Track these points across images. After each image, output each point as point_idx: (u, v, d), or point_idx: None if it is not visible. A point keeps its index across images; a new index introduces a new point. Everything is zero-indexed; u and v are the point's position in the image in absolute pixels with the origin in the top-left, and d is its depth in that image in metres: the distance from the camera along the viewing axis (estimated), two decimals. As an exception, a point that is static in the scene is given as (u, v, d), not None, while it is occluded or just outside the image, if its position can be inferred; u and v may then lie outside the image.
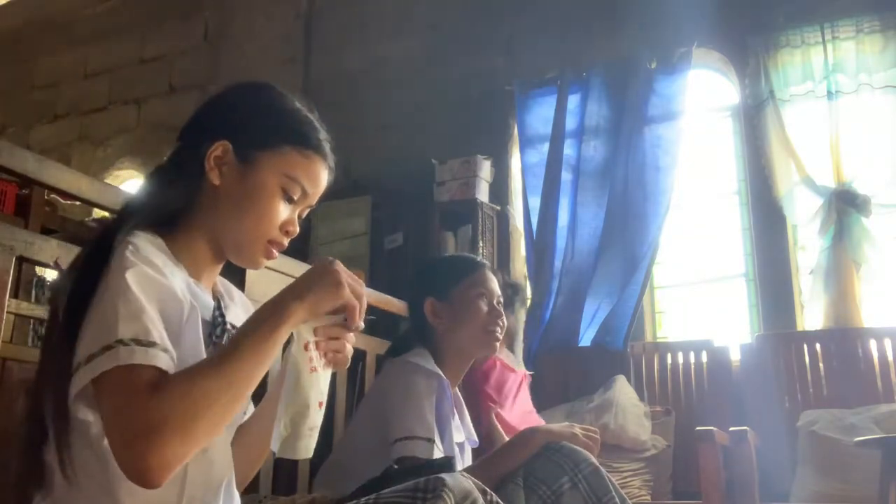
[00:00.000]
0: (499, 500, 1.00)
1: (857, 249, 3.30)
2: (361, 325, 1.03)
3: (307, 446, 1.02)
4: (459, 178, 3.95)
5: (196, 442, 0.87)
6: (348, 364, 1.07)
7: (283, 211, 1.10)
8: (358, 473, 1.31)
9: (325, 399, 1.04)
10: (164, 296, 0.96)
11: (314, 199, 1.14)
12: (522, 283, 3.87)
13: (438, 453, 1.53)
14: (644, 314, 3.80)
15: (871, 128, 3.41)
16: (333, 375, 1.12)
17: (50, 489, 0.97)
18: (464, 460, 1.77)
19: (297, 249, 3.80)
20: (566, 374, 3.55)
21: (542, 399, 3.44)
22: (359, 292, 1.01)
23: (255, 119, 1.10)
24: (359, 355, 2.40)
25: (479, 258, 1.97)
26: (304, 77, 4.75)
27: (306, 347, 1.00)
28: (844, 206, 3.34)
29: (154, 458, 0.83)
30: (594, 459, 1.57)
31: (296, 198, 1.11)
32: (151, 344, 0.89)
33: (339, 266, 1.00)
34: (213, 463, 1.03)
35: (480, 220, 3.88)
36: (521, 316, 3.49)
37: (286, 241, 1.12)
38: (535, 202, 3.91)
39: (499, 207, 4.04)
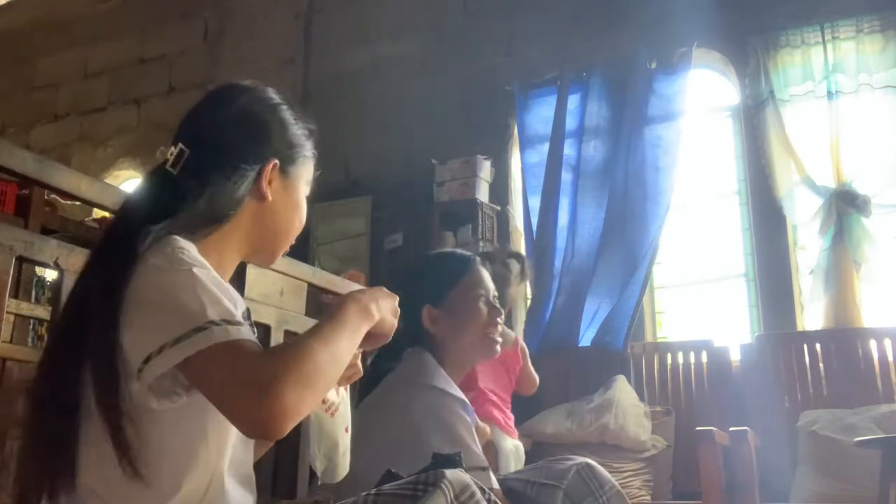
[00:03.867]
0: (497, 500, 1.00)
1: (857, 249, 3.30)
2: None
3: (344, 466, 1.13)
4: (459, 178, 3.95)
5: (311, 398, 0.91)
6: (361, 374, 1.20)
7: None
8: None
9: (349, 423, 1.14)
10: (228, 295, 0.99)
11: None
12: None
13: (495, 482, 1.43)
14: (644, 314, 3.80)
15: (871, 128, 3.41)
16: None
17: (72, 490, 0.96)
18: None
19: (297, 249, 3.80)
20: (566, 374, 3.55)
21: (543, 399, 3.44)
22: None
23: (288, 135, 1.17)
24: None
25: (466, 253, 1.78)
26: (303, 77, 4.75)
27: (323, 401, 1.07)
28: (844, 206, 3.34)
29: (277, 405, 0.86)
30: (616, 483, 1.53)
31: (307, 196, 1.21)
32: (240, 323, 0.93)
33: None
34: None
35: (480, 220, 3.88)
36: (522, 289, 3.22)
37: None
38: (535, 202, 3.91)
39: (499, 207, 4.04)
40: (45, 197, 3.29)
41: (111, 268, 0.97)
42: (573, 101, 3.93)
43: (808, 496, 2.82)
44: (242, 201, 1.11)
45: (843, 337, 3.22)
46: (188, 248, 1.00)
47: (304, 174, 1.19)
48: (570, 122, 3.91)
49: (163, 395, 0.94)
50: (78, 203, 3.36)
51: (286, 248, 1.20)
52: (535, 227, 3.88)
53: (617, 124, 3.81)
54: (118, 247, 0.99)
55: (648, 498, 3.05)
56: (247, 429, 0.90)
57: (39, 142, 5.61)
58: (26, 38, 5.82)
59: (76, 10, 5.68)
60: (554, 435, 3.23)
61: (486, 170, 3.99)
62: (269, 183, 1.13)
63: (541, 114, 4.03)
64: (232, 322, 0.92)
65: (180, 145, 1.08)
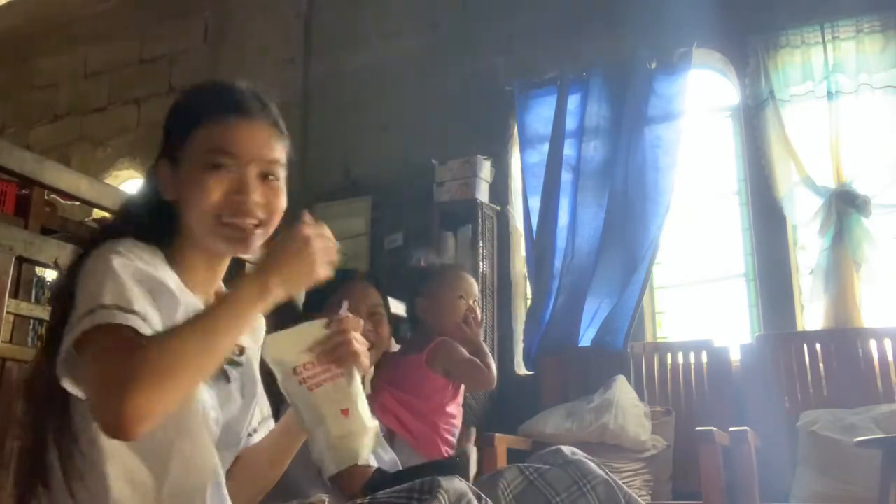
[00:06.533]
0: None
1: (857, 249, 3.30)
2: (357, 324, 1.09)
3: (352, 453, 1.04)
4: (459, 179, 3.94)
5: (168, 397, 0.88)
6: (366, 359, 1.09)
7: (218, 184, 1.07)
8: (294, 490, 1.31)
9: (351, 406, 1.05)
10: (154, 286, 0.99)
11: (254, 154, 1.09)
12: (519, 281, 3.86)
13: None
14: (644, 314, 3.80)
15: (871, 128, 3.41)
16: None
17: (50, 489, 0.99)
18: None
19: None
20: (566, 374, 3.55)
21: (543, 399, 3.45)
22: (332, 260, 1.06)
23: (169, 127, 1.15)
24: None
25: (349, 269, 1.93)
26: (303, 77, 4.75)
27: (295, 371, 1.04)
28: (844, 206, 3.34)
29: (127, 408, 0.84)
30: (602, 472, 1.51)
31: (223, 162, 1.07)
32: (132, 311, 0.93)
33: (314, 245, 1.03)
34: (189, 470, 1.03)
35: (480, 220, 3.88)
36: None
37: (245, 208, 1.08)
38: (535, 202, 3.91)
39: (499, 207, 4.04)
40: (45, 197, 3.29)
41: (70, 271, 1.02)
42: (573, 101, 3.92)
43: (808, 496, 2.82)
44: (162, 205, 1.13)
45: (843, 337, 3.22)
46: (128, 245, 1.02)
47: (199, 145, 1.08)
48: (570, 122, 3.91)
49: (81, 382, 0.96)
50: (78, 203, 3.36)
51: (214, 229, 1.08)
52: (535, 227, 3.87)
53: (617, 124, 3.81)
54: (82, 254, 1.03)
55: (648, 498, 3.05)
56: (103, 430, 0.89)
57: (39, 142, 5.61)
58: (26, 38, 5.81)
59: (76, 10, 5.68)
60: (554, 435, 3.22)
61: (486, 170, 3.99)
62: (167, 181, 1.12)
63: (541, 114, 4.03)
64: (124, 309, 0.92)
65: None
